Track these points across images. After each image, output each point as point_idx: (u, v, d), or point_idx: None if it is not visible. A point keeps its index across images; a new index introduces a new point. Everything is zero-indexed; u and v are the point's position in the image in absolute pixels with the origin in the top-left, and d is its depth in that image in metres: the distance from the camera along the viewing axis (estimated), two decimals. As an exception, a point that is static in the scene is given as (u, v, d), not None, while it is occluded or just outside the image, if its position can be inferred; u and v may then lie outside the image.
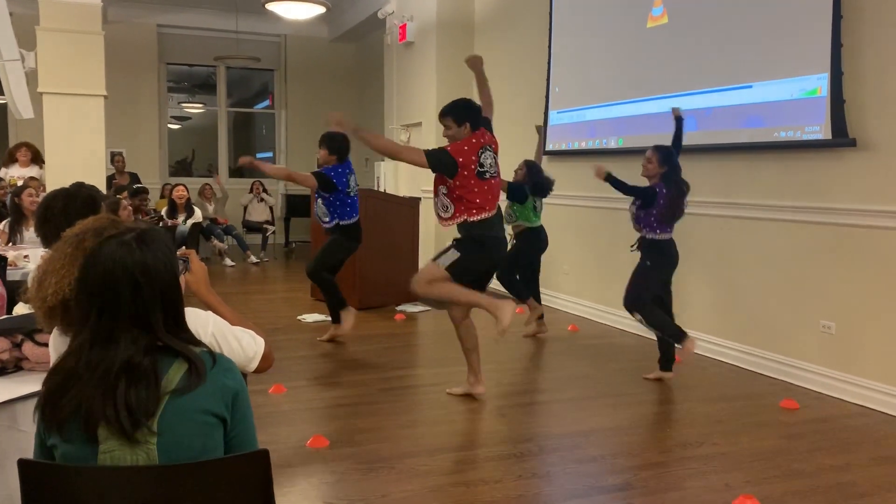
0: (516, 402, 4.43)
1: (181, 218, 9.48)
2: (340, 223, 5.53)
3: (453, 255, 4.18)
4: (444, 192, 4.19)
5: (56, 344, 1.85)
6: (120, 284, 1.44)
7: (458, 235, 4.29)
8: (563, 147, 7.06)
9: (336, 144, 5.45)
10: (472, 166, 4.13)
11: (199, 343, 1.54)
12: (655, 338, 4.83)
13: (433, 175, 4.29)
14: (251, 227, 11.41)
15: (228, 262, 10.14)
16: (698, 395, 4.48)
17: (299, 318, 6.59)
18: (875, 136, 4.29)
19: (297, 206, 11.98)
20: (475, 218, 4.16)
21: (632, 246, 4.78)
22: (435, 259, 4.29)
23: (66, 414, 1.41)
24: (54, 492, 1.41)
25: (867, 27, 4.32)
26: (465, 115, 4.18)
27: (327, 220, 5.56)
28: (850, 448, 3.66)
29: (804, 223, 4.71)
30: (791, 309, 4.81)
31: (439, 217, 4.31)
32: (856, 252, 4.40)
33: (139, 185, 9.12)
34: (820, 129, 4.54)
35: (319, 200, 5.56)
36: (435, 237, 7.94)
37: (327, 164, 5.46)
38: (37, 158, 8.14)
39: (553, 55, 7.23)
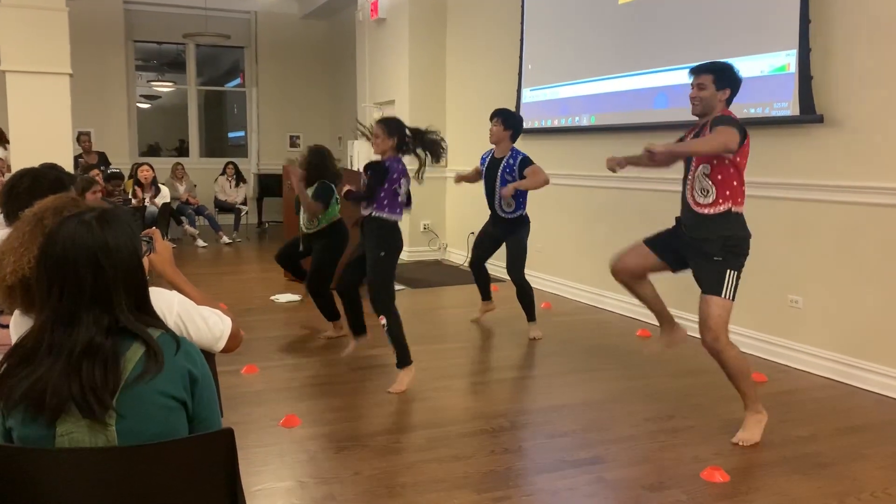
0: (489, 379, 4.45)
1: (147, 197, 9.38)
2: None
3: (731, 274, 3.42)
4: (706, 171, 3.45)
5: (17, 325, 1.82)
6: (80, 265, 1.41)
7: (706, 236, 3.48)
8: (537, 125, 7.05)
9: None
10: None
11: (162, 325, 1.51)
12: None
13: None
14: (223, 208, 11.28)
15: (200, 243, 10.04)
16: (668, 370, 4.53)
17: (272, 298, 6.56)
18: (842, 112, 4.33)
19: (269, 186, 11.82)
20: (741, 209, 3.49)
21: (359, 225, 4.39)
22: (709, 292, 3.41)
23: (24, 393, 1.39)
24: (16, 474, 1.39)
25: (834, 3, 4.34)
26: (727, 80, 3.47)
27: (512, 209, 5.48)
28: (816, 419, 3.74)
29: (772, 199, 4.75)
30: (759, 284, 4.86)
31: (694, 202, 3.51)
32: (823, 227, 4.46)
33: (114, 171, 8.98)
34: (788, 106, 4.57)
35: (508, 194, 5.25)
36: (408, 220, 7.87)
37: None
38: (1, 138, 7.99)
39: (526, 32, 7.20)
